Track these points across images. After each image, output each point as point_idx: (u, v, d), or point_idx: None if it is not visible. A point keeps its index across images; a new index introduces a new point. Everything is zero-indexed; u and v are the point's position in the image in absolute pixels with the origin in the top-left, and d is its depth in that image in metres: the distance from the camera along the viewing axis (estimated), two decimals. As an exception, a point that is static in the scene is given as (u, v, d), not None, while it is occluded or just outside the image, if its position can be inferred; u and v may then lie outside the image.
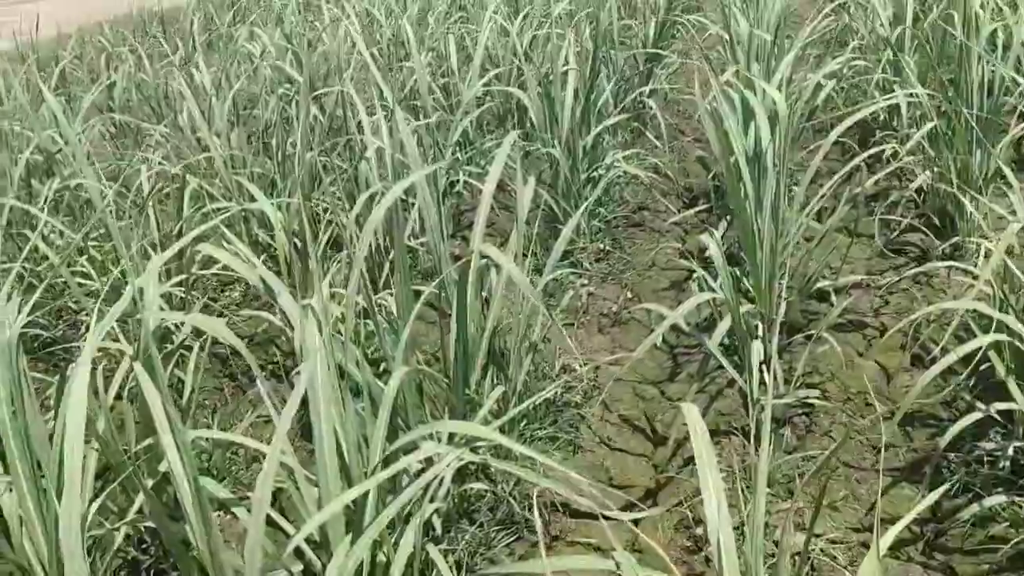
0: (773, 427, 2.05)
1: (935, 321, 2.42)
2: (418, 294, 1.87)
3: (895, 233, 2.94)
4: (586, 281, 2.91)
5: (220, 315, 2.76)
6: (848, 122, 2.24)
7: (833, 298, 2.59)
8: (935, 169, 2.85)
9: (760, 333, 2.26)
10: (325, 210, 3.14)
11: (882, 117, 3.71)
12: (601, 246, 3.08)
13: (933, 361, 2.26)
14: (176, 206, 2.73)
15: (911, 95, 2.88)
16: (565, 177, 3.01)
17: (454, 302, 1.80)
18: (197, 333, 2.11)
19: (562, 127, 3.04)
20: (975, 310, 1.76)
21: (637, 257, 3.07)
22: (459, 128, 3.31)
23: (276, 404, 1.50)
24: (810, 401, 2.08)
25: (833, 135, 2.26)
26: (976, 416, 1.60)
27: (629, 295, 2.84)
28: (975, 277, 2.58)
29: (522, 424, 2.05)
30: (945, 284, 2.62)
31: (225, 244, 2.54)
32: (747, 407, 2.10)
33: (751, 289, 2.30)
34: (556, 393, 2.17)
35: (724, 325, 2.02)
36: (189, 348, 2.05)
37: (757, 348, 2.10)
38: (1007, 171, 2.29)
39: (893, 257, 2.86)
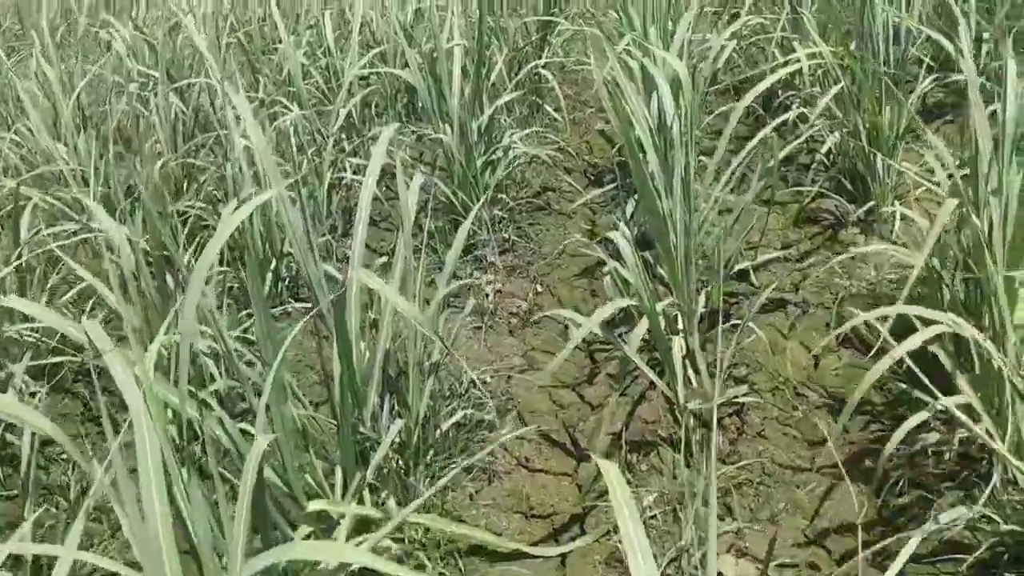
0: (703, 432, 1.89)
1: (857, 295, 2.30)
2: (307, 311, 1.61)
3: (807, 200, 2.82)
4: (492, 277, 2.69)
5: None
6: (756, 91, 2.07)
7: (752, 276, 2.44)
8: (843, 129, 2.72)
9: (681, 327, 2.09)
10: (196, 219, 2.82)
11: (784, 76, 3.59)
12: (505, 236, 2.86)
13: (861, 340, 2.15)
14: (13, 228, 2.37)
15: (813, 55, 2.74)
16: (460, 164, 2.76)
17: (334, 333, 1.55)
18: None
19: (452, 109, 2.78)
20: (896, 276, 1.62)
21: (545, 245, 2.86)
22: (340, 116, 3.02)
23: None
24: (739, 400, 1.92)
25: (742, 104, 2.08)
26: (922, 416, 1.46)
27: (539, 289, 2.63)
28: (895, 244, 2.48)
29: (429, 455, 1.83)
30: (861, 251, 2.51)
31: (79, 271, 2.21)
32: (673, 412, 1.93)
33: (666, 276, 2.12)
34: (466, 414, 1.95)
35: (641, 328, 1.83)
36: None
37: (679, 346, 1.92)
38: (921, 125, 2.18)
39: (807, 226, 2.73)
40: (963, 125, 2.87)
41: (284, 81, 3.76)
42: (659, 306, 1.87)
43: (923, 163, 2.76)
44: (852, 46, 2.82)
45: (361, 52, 3.55)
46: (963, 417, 1.37)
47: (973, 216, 1.47)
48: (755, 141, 2.23)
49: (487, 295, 2.58)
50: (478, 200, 2.83)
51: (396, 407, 1.77)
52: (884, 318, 1.53)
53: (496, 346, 2.35)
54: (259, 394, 1.38)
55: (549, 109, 3.83)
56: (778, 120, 2.25)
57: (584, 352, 2.33)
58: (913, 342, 1.40)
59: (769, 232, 2.72)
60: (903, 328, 1.52)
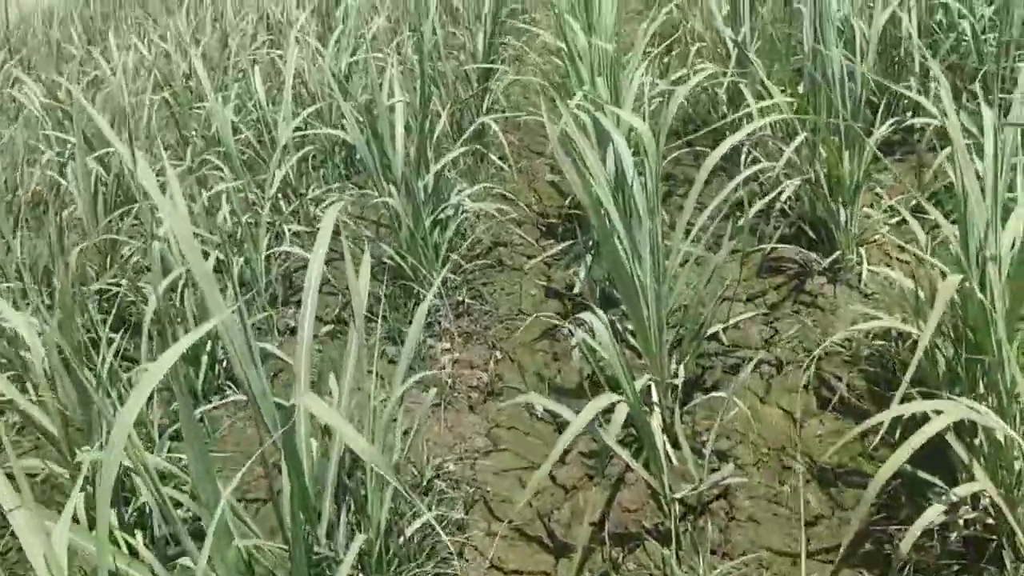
0: (690, 520, 1.75)
1: (833, 352, 2.20)
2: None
3: (768, 249, 2.74)
4: (447, 344, 2.52)
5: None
6: (718, 152, 1.97)
7: (722, 335, 2.33)
8: (803, 177, 2.65)
9: (656, 399, 1.95)
10: (123, 297, 2.59)
11: (731, 118, 3.54)
12: (459, 298, 2.70)
13: (841, 401, 2.05)
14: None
15: (768, 109, 2.67)
16: (407, 227, 2.60)
17: (282, 454, 1.36)
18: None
19: (396, 168, 2.63)
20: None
21: (501, 306, 2.71)
22: (276, 178, 2.84)
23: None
24: (726, 481, 1.79)
25: (710, 161, 1.98)
26: (938, 510, 1.34)
27: (498, 356, 2.48)
28: (864, 294, 2.41)
29: (393, 566, 1.64)
30: (831, 302, 2.42)
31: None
32: (657, 497, 1.79)
33: (638, 346, 1.99)
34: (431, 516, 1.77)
35: (620, 415, 1.68)
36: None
37: (657, 426, 1.78)
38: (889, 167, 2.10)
39: (771, 276, 2.65)
40: (917, 165, 2.84)
41: (213, 139, 3.56)
42: (637, 385, 1.73)
43: (883, 207, 2.72)
44: (800, 89, 2.78)
45: (295, 109, 3.38)
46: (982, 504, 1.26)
47: (977, 290, 1.38)
48: (721, 197, 2.12)
49: (443, 367, 2.41)
50: (428, 262, 2.68)
51: (354, 517, 1.59)
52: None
53: (457, 425, 2.18)
54: (197, 536, 1.19)
55: (495, 159, 3.71)
56: (743, 175, 2.15)
57: (551, 424, 2.18)
58: (928, 431, 1.28)
59: (732, 283, 2.63)
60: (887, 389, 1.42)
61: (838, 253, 2.48)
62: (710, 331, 2.17)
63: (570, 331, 2.05)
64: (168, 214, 1.49)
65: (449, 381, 2.32)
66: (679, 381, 1.95)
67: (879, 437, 1.91)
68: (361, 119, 2.78)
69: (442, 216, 2.82)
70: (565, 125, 2.13)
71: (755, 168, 2.25)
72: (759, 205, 2.24)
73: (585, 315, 1.74)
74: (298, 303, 2.86)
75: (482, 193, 3.09)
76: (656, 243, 1.92)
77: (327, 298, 2.93)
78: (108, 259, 2.76)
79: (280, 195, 3.22)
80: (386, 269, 2.82)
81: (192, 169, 2.90)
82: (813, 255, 2.63)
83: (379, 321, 2.64)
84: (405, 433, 2.09)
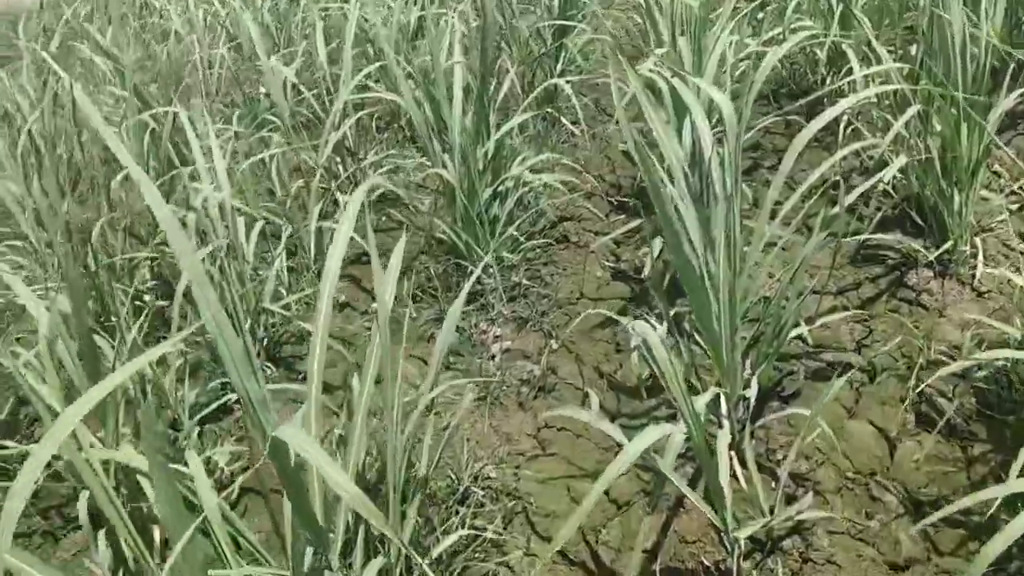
0: (757, 558, 1.52)
1: (937, 362, 1.91)
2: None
3: (866, 230, 2.42)
4: (499, 331, 2.33)
5: None
6: (814, 126, 1.69)
7: (806, 333, 2.06)
8: (912, 153, 2.32)
9: (724, 411, 1.71)
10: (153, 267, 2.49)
11: (830, 87, 3.19)
12: (516, 279, 2.50)
13: (945, 420, 1.77)
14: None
15: (869, 77, 2.34)
16: (462, 201, 2.40)
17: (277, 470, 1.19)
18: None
19: (453, 136, 2.42)
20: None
21: (562, 289, 2.49)
22: (327, 147, 2.67)
23: None
24: (803, 516, 1.55)
25: (799, 140, 1.70)
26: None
27: (553, 345, 2.27)
28: (978, 293, 2.09)
29: (417, 591, 1.48)
30: (938, 300, 2.12)
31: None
32: (717, 529, 1.56)
33: (707, 354, 1.75)
34: (467, 526, 1.60)
35: (677, 441, 1.45)
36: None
37: (724, 446, 1.55)
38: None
39: (867, 265, 2.34)
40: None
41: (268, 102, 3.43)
42: (700, 402, 1.50)
43: (1005, 190, 2.37)
44: (913, 52, 2.43)
45: (360, 66, 3.21)
46: None
47: None
48: (814, 177, 1.84)
49: (493, 356, 2.22)
50: (482, 240, 2.48)
51: (372, 540, 1.42)
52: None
53: (503, 423, 2.00)
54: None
55: (567, 123, 3.46)
56: (841, 152, 1.86)
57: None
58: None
59: (819, 270, 2.34)
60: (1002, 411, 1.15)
61: (949, 244, 2.15)
62: (793, 332, 1.90)
63: (631, 328, 1.82)
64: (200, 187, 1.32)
65: (497, 373, 2.13)
66: (752, 393, 1.70)
67: (987, 468, 1.64)
68: (419, 82, 2.58)
69: (502, 188, 2.61)
70: (635, 92, 1.89)
71: (856, 145, 1.94)
72: (861, 188, 1.93)
73: (639, 324, 1.50)
74: (351, 277, 2.72)
75: (548, 162, 2.85)
76: (732, 229, 1.67)
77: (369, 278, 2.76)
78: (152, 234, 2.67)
79: (338, 160, 3.06)
80: (441, 244, 2.64)
81: (237, 136, 2.75)
82: (918, 244, 2.31)
83: (424, 299, 2.47)
84: (444, 429, 1.92)
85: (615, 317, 1.97)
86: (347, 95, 2.69)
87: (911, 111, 2.01)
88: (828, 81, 3.21)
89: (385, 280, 1.36)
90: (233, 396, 2.14)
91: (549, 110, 3.54)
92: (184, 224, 2.13)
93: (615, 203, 3.00)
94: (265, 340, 2.30)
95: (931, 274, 2.17)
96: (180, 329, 1.94)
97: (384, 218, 2.98)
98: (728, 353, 1.61)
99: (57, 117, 2.87)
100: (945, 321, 2.03)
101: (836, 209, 1.75)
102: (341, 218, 1.34)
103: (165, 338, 2.21)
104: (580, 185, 2.97)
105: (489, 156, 2.57)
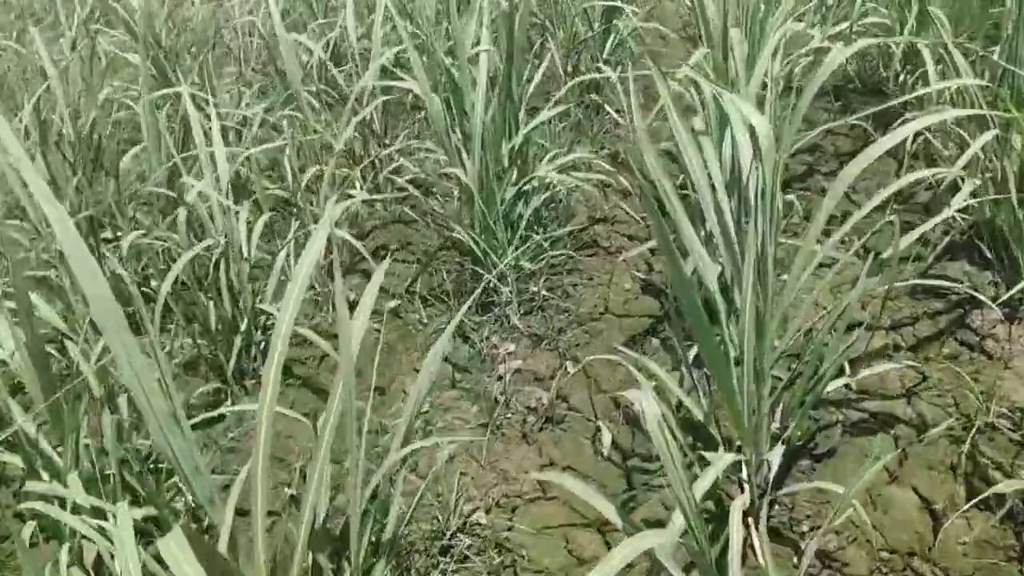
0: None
1: (996, 427, 1.67)
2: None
3: (928, 259, 2.17)
4: (512, 347, 2.15)
5: None
6: (886, 142, 1.45)
7: (849, 381, 1.82)
8: (986, 174, 2.05)
9: (745, 475, 1.52)
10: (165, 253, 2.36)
11: (903, 76, 2.90)
12: (535, 288, 2.31)
13: (1003, 502, 1.54)
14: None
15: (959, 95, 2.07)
16: (480, 204, 2.21)
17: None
18: None
19: (475, 131, 2.23)
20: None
21: (584, 302, 2.30)
22: (344, 133, 2.50)
23: None
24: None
25: (851, 170, 1.46)
26: None
27: (569, 367, 2.08)
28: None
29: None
30: (1004, 349, 1.87)
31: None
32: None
33: (725, 407, 1.54)
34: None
35: (677, 525, 1.25)
36: None
37: (737, 522, 1.35)
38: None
39: (926, 299, 2.09)
40: None
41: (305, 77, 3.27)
42: (703, 484, 1.30)
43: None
44: (996, 55, 2.15)
45: (390, 44, 3.03)
46: None
47: None
48: (872, 204, 1.60)
49: (500, 376, 2.05)
50: (502, 245, 2.29)
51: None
52: None
53: (503, 458, 1.83)
54: None
55: (611, 112, 3.23)
56: (906, 179, 1.61)
57: (619, 468, 1.79)
58: None
59: (874, 300, 2.10)
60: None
61: (1022, 284, 1.89)
62: (835, 383, 1.67)
63: (639, 365, 1.62)
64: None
65: (502, 398, 1.96)
66: (776, 458, 1.49)
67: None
68: (442, 66, 2.38)
69: (527, 187, 2.41)
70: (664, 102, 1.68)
71: (922, 173, 1.69)
72: (930, 224, 1.67)
73: (637, 394, 1.30)
74: (365, 273, 2.57)
75: (583, 158, 2.63)
76: (764, 263, 1.45)
77: (398, 267, 2.60)
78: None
79: (362, 147, 2.90)
80: (461, 242, 2.47)
81: (247, 122, 2.60)
82: (987, 277, 2.06)
83: (436, 303, 2.30)
84: (450, 460, 1.77)
85: (626, 355, 1.77)
86: (370, 79, 2.52)
87: (986, 136, 1.74)
88: (901, 79, 2.91)
89: (351, 329, 1.19)
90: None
91: (594, 97, 3.32)
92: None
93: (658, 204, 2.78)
94: (263, 343, 2.16)
95: (998, 316, 1.92)
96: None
97: (410, 208, 2.80)
98: (749, 416, 1.41)
99: (73, 88, 2.76)
100: (1010, 375, 1.78)
101: (889, 251, 1.52)
102: (303, 256, 1.18)
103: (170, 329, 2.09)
104: (618, 183, 2.76)
105: (515, 152, 2.38)
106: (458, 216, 2.52)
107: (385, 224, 2.80)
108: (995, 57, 2.28)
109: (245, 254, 2.10)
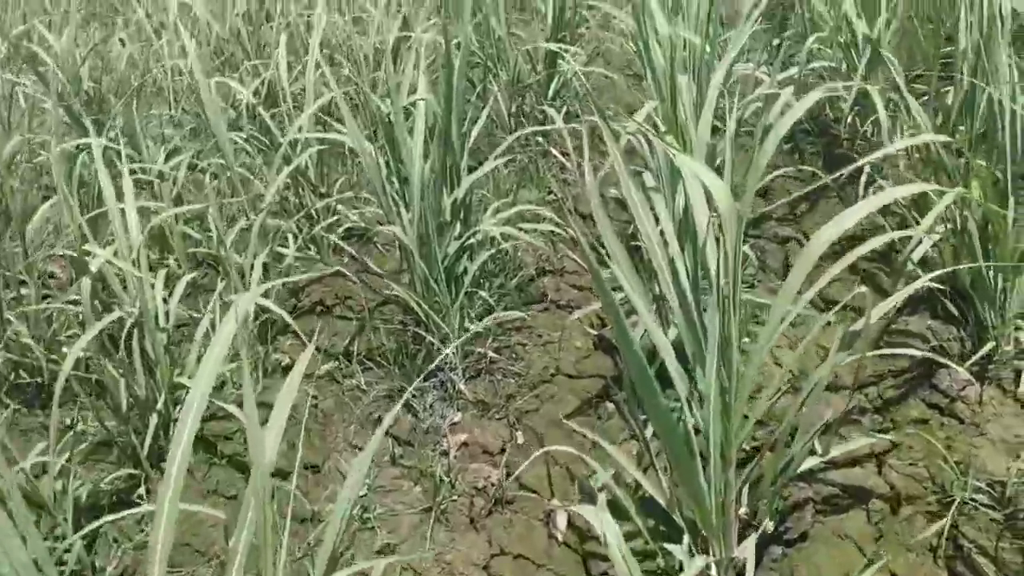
0: None
1: (974, 505, 1.57)
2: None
3: (887, 312, 2.08)
4: (457, 416, 2.00)
5: None
6: (829, 231, 1.35)
7: (816, 443, 1.71)
8: (946, 224, 1.98)
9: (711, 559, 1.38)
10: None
11: (852, 119, 2.85)
12: (481, 351, 2.16)
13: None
14: None
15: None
16: (421, 269, 2.06)
17: None
18: None
19: (412, 186, 2.08)
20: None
21: (534, 363, 2.16)
22: (273, 185, 2.33)
23: None
24: None
25: (815, 245, 1.36)
26: None
27: (520, 438, 1.94)
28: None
29: None
30: (975, 412, 1.77)
31: None
32: None
33: (691, 508, 1.40)
34: None
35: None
36: None
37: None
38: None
39: (887, 357, 2.00)
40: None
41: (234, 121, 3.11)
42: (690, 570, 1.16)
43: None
44: (949, 100, 2.10)
45: (323, 87, 2.87)
46: None
47: None
48: (841, 266, 1.49)
49: (446, 451, 1.89)
50: (445, 306, 2.14)
51: None
52: None
53: (447, 549, 1.66)
54: None
55: (556, 153, 3.13)
56: (865, 247, 1.51)
57: (576, 552, 1.64)
58: None
59: (838, 357, 2.00)
60: None
61: (989, 345, 1.81)
62: (806, 464, 1.55)
63: (588, 468, 1.49)
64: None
65: (448, 478, 1.80)
66: (751, 556, 1.35)
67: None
68: (377, 117, 2.24)
69: (472, 241, 2.27)
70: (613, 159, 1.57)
71: (892, 237, 1.59)
72: (902, 295, 1.56)
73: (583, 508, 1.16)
74: (297, 336, 2.38)
75: (532, 203, 2.50)
76: (730, 348, 1.33)
77: (338, 323, 2.43)
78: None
79: (295, 196, 2.73)
80: (400, 299, 2.31)
81: (168, 176, 2.42)
82: (951, 332, 1.98)
83: (375, 366, 2.13)
84: (380, 553, 1.60)
85: (582, 439, 1.64)
86: (304, 123, 2.36)
87: (948, 198, 1.66)
88: (850, 120, 2.87)
89: (263, 441, 1.03)
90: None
91: (539, 139, 3.21)
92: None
93: (606, 251, 2.66)
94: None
95: (966, 376, 1.83)
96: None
97: (349, 258, 2.64)
98: (717, 511, 1.27)
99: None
100: (985, 443, 1.69)
101: (859, 325, 1.41)
102: (207, 353, 1.01)
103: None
104: (567, 230, 2.63)
105: (458, 204, 2.24)
106: (397, 273, 2.38)
107: (322, 277, 2.63)
108: (949, 100, 2.24)
109: (162, 322, 1.92)
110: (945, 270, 1.67)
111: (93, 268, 1.74)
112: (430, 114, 2.18)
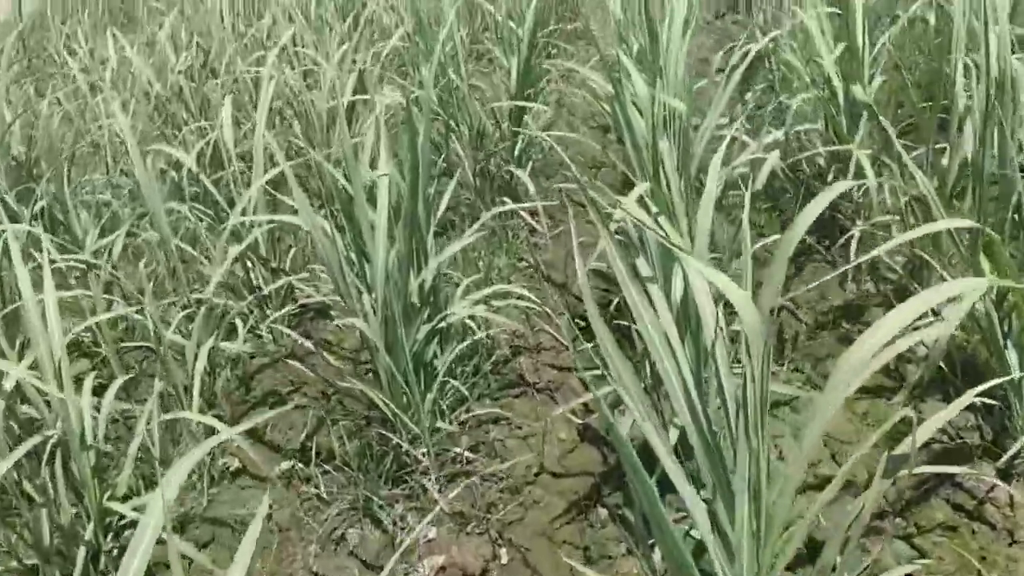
0: None
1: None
2: None
3: (900, 403, 1.93)
4: (432, 532, 1.77)
5: None
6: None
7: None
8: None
9: None
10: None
11: (832, 177, 2.72)
12: (457, 450, 1.94)
13: None
14: None
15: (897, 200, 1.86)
16: (386, 366, 1.85)
17: None
18: None
19: (377, 271, 1.87)
20: None
21: (517, 461, 1.95)
22: (219, 269, 2.10)
23: None
24: None
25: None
26: None
27: (504, 555, 1.72)
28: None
29: None
30: (1007, 517, 1.61)
31: None
32: None
33: None
34: None
35: None
36: None
37: None
38: None
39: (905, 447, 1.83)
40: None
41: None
42: None
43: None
44: (949, 164, 1.97)
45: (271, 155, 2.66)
46: None
47: None
48: (868, 373, 1.32)
49: (422, 573, 1.66)
50: (414, 402, 1.92)
51: None
52: None
53: None
54: None
55: (526, 216, 2.96)
56: (895, 348, 1.34)
57: None
58: None
59: (837, 441, 1.85)
60: None
61: (1019, 444, 1.65)
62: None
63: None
64: None
65: (425, 611, 1.57)
66: None
67: None
68: (333, 194, 2.03)
69: (442, 324, 2.06)
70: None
71: (906, 344, 1.43)
72: (947, 413, 1.39)
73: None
74: (252, 433, 2.14)
75: (504, 271, 2.31)
76: (758, 478, 1.14)
77: (293, 414, 2.19)
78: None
79: (244, 274, 2.49)
80: (363, 395, 2.08)
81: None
82: (968, 419, 1.83)
83: (344, 474, 1.90)
84: None
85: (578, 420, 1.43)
86: (242, 212, 2.13)
87: (978, 293, 1.50)
88: (831, 178, 2.74)
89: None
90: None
91: (506, 200, 3.03)
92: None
93: (584, 323, 2.48)
94: (114, 550, 1.71)
95: (993, 475, 1.67)
96: None
97: (304, 337, 2.41)
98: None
99: None
100: (1020, 551, 1.52)
101: (904, 446, 1.23)
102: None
103: None
104: (541, 302, 2.44)
105: (425, 287, 2.03)
106: (357, 352, 2.16)
107: (275, 361, 2.39)
108: (945, 161, 2.11)
109: (89, 438, 1.67)
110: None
111: (7, 386, 1.49)
112: (393, 187, 1.98)
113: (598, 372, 2.22)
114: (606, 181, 3.34)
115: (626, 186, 3.35)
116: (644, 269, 1.63)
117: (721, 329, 1.26)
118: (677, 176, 1.92)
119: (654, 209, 1.56)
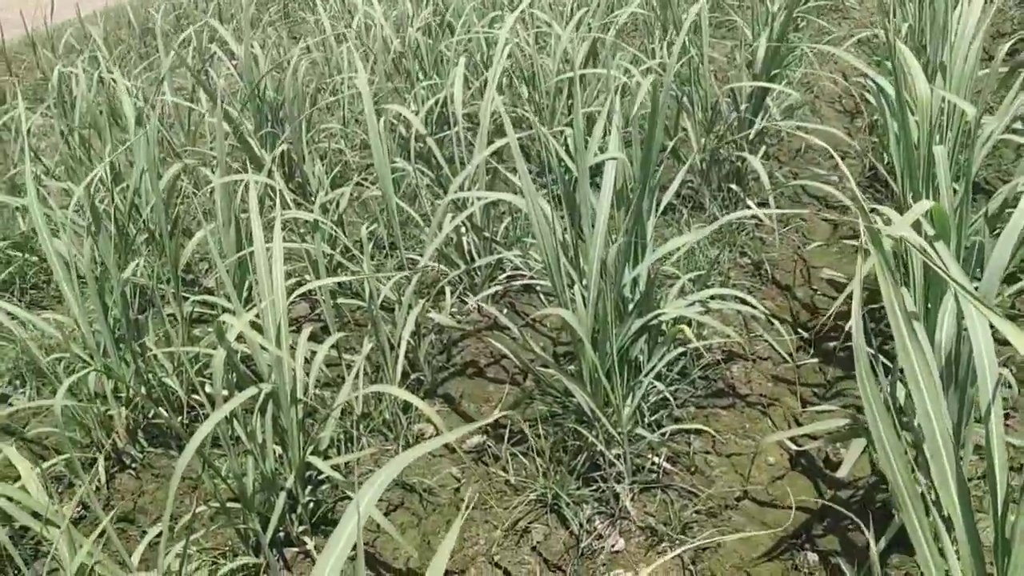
0: None
1: None
2: None
3: None
4: (620, 542, 1.67)
5: None
6: None
7: None
8: None
9: None
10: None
11: None
12: (655, 459, 1.82)
13: None
14: None
15: None
16: (591, 362, 1.75)
17: None
18: None
19: (592, 259, 1.77)
20: None
21: (717, 479, 1.80)
22: (433, 244, 2.08)
23: None
24: None
25: None
26: None
27: (695, 584, 1.59)
28: None
29: None
30: None
31: None
32: None
33: None
34: None
35: None
36: None
37: None
38: None
39: None
40: None
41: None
42: None
43: None
44: None
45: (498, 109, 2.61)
46: None
47: None
48: None
49: (604, 590, 1.57)
50: (619, 405, 1.82)
51: None
52: None
53: None
54: None
55: (752, 206, 2.73)
56: None
57: None
58: None
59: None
60: None
61: None
62: None
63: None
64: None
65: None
66: None
67: None
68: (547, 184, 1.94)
69: (653, 323, 1.92)
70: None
71: None
72: None
73: None
74: (447, 399, 2.14)
75: (719, 295, 2.13)
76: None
77: (487, 384, 2.17)
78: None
79: (462, 238, 2.48)
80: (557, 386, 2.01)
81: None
82: None
83: (533, 467, 1.83)
84: None
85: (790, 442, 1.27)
86: (456, 192, 2.09)
87: None
88: None
89: None
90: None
91: (733, 187, 2.81)
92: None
93: (807, 334, 2.25)
94: (311, 504, 1.76)
95: None
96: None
97: (508, 311, 2.38)
98: None
99: None
100: None
101: None
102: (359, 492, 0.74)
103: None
104: (759, 303, 2.24)
105: (641, 285, 1.90)
106: (559, 331, 2.08)
107: (479, 331, 2.38)
108: None
109: (299, 392, 1.71)
110: None
111: (230, 337, 1.54)
112: (619, 174, 1.86)
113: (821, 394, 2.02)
114: (851, 174, 3.02)
115: (874, 181, 3.01)
116: (908, 301, 1.41)
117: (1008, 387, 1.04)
118: (951, 189, 1.65)
119: (929, 231, 1.33)
